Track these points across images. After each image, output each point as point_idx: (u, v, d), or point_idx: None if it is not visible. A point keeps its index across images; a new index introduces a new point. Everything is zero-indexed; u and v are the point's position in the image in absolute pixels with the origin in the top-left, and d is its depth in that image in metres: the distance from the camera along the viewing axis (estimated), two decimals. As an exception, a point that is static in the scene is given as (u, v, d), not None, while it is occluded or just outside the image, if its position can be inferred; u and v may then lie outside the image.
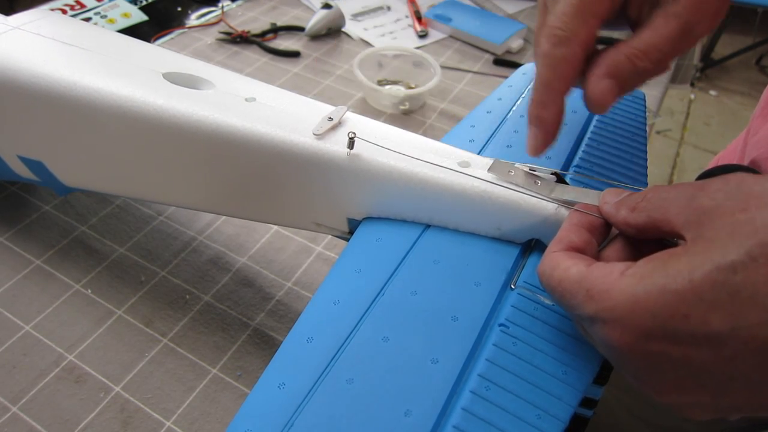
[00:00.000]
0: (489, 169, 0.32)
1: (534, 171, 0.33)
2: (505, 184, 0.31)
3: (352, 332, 0.27)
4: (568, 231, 0.27)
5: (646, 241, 0.25)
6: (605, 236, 0.28)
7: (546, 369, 0.26)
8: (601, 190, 0.29)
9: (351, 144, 0.33)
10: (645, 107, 0.43)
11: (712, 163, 0.61)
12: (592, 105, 0.30)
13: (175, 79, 0.39)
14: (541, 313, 0.28)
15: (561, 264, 0.25)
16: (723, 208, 0.21)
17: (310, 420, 0.24)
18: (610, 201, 0.26)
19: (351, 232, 0.36)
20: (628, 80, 0.29)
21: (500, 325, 0.28)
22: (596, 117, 0.41)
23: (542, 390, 0.25)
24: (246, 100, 0.37)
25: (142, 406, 0.41)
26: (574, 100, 0.42)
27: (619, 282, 0.22)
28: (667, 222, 0.23)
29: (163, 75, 0.39)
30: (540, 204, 0.30)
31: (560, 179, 0.32)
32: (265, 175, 0.36)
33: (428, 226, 0.33)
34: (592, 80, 0.29)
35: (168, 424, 0.40)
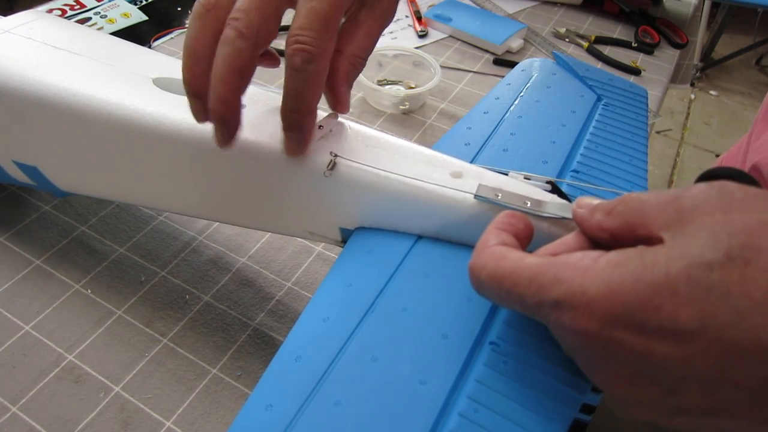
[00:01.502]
0: (475, 195, 0.31)
1: (528, 179, 0.32)
2: (494, 204, 0.31)
3: (340, 351, 0.27)
4: (498, 233, 0.26)
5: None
6: (527, 245, 0.27)
7: (537, 389, 0.25)
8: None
9: (332, 165, 0.33)
10: (647, 105, 0.42)
11: (714, 165, 0.62)
12: (343, 110, 0.34)
13: (165, 85, 0.39)
14: (533, 330, 0.27)
15: (510, 255, 0.24)
16: (704, 209, 0.21)
17: None
18: (585, 206, 0.26)
19: (344, 241, 0.36)
20: (354, 79, 0.34)
21: (491, 343, 0.27)
22: (596, 117, 0.40)
23: (533, 412, 0.24)
24: None
25: (142, 406, 0.41)
26: (574, 101, 0.42)
27: (593, 266, 0.22)
28: (643, 225, 0.22)
29: (153, 81, 0.39)
30: (532, 220, 0.30)
31: (555, 187, 0.32)
32: (256, 183, 0.36)
33: (420, 237, 0.33)
34: (342, 93, 0.34)
35: (168, 424, 0.40)
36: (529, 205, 0.30)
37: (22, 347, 0.43)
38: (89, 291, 0.47)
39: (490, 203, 0.31)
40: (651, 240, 0.22)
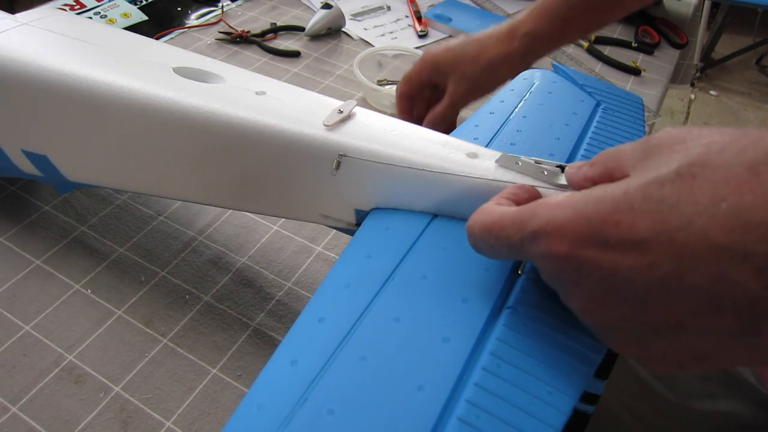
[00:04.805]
0: (497, 161, 0.32)
1: (540, 163, 0.33)
2: (512, 175, 0.32)
3: (363, 313, 0.28)
4: (497, 198, 0.29)
5: None
6: None
7: (556, 347, 0.26)
8: None
9: (337, 165, 0.34)
10: (643, 111, 0.44)
11: None
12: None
13: (185, 73, 0.40)
14: (548, 295, 0.28)
15: (498, 208, 0.27)
16: (665, 145, 0.23)
17: (323, 395, 0.24)
18: (574, 165, 0.28)
19: (357, 224, 0.36)
20: (438, 127, 0.41)
21: (509, 307, 0.28)
22: (596, 119, 0.41)
23: (552, 368, 0.25)
24: (256, 93, 0.38)
25: (142, 406, 0.41)
26: (575, 104, 0.42)
27: (565, 199, 0.24)
28: (619, 169, 0.24)
29: (173, 69, 0.40)
30: (548, 192, 0.30)
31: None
32: (274, 166, 0.37)
33: (435, 216, 0.33)
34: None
35: (168, 424, 0.40)
36: (546, 174, 0.31)
37: (22, 347, 0.43)
38: (89, 291, 0.47)
39: (510, 169, 0.32)
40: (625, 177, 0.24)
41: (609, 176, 0.25)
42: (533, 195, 0.29)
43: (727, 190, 0.20)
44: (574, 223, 0.23)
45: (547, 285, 0.27)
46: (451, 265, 0.30)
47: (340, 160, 0.34)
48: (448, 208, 0.33)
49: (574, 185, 0.27)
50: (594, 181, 0.26)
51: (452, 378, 0.25)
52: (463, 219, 0.32)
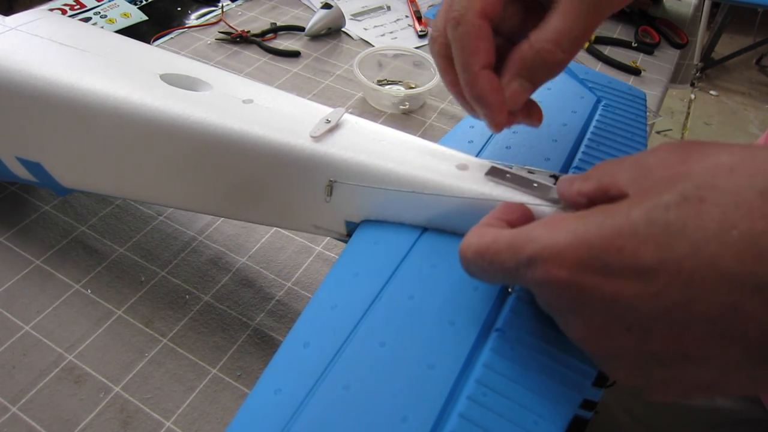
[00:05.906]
0: (486, 173, 0.32)
1: (532, 173, 0.33)
2: (502, 189, 0.31)
3: (348, 337, 0.27)
4: (489, 219, 0.27)
5: None
6: None
7: (544, 373, 0.25)
8: None
9: (329, 191, 0.34)
10: (645, 107, 0.43)
11: None
12: (511, 105, 0.30)
13: (172, 80, 0.39)
14: (538, 317, 0.27)
15: (490, 230, 0.26)
16: (665, 163, 0.22)
17: (306, 427, 0.24)
18: (566, 179, 0.27)
19: (349, 235, 0.36)
20: (541, 76, 0.29)
21: (497, 329, 0.27)
22: (596, 117, 0.40)
23: (539, 395, 0.25)
24: (243, 101, 0.37)
25: (141, 406, 0.41)
26: (575, 101, 0.42)
27: (562, 223, 0.23)
28: (615, 185, 0.23)
29: (160, 76, 0.39)
30: (537, 209, 0.30)
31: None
32: (262, 177, 0.36)
33: (425, 230, 0.33)
34: (503, 83, 0.29)
35: (168, 424, 0.40)
36: (536, 186, 0.30)
37: (22, 347, 0.43)
38: (89, 291, 0.47)
39: (500, 183, 0.31)
40: (622, 195, 0.23)
41: (604, 192, 0.24)
42: (524, 213, 0.28)
43: (738, 216, 0.19)
44: (573, 248, 0.22)
45: (537, 306, 0.26)
46: (439, 283, 0.30)
47: (332, 185, 0.34)
48: (438, 222, 0.33)
49: (567, 200, 0.27)
50: (588, 197, 0.25)
51: (437, 408, 0.24)
52: (454, 233, 0.32)
